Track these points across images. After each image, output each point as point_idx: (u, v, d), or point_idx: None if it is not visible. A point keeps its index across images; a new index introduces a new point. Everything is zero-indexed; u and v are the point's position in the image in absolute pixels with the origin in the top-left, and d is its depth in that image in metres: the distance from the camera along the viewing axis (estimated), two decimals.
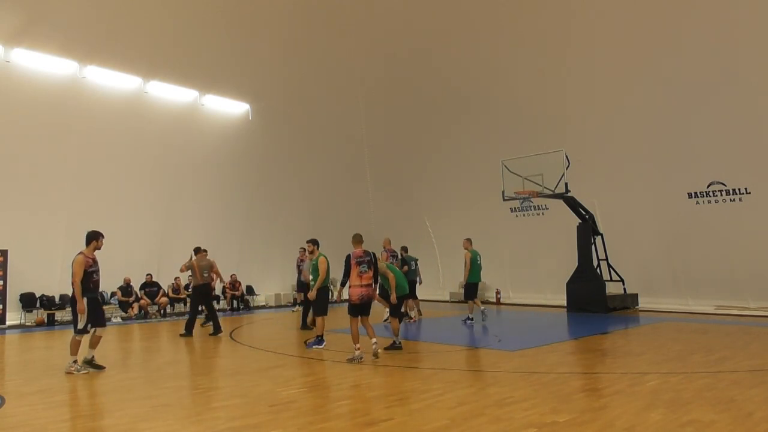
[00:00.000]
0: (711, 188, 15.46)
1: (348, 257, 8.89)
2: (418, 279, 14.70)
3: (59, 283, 15.92)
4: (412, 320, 14.08)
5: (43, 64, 15.33)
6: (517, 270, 19.58)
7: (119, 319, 15.86)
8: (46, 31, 14.96)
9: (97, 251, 8.28)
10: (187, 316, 12.99)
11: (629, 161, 16.74)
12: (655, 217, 16.44)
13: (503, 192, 16.53)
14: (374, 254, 9.32)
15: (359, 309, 8.82)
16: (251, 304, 19.82)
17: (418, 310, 14.66)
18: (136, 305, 16.43)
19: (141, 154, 17.41)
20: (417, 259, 14.94)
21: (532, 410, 5.65)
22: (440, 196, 21.39)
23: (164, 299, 16.97)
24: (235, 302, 18.82)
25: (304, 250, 17.66)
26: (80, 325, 7.97)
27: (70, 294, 15.67)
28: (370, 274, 8.81)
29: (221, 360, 9.66)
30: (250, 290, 20.18)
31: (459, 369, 7.93)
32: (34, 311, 15.42)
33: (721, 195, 15.32)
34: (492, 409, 5.79)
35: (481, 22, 17.82)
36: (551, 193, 15.70)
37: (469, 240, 13.71)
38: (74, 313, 8.03)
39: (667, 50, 15.48)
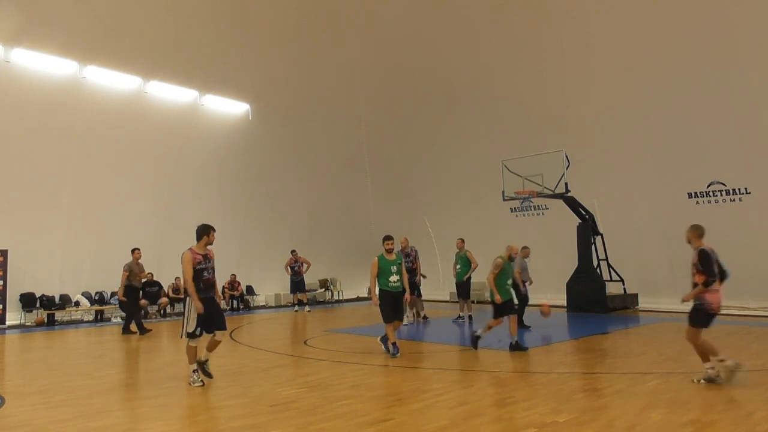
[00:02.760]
0: (711, 188, 15.45)
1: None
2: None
3: (59, 283, 15.94)
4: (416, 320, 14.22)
5: (43, 64, 15.30)
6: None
7: (119, 319, 15.84)
8: (46, 31, 14.94)
9: (209, 246, 7.42)
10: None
11: (629, 161, 16.72)
12: (655, 217, 16.43)
13: (503, 192, 16.53)
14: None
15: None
16: (251, 304, 19.82)
17: (413, 313, 14.74)
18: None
19: (141, 154, 17.39)
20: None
21: (532, 410, 5.65)
22: (440, 196, 21.37)
23: (164, 299, 16.97)
24: (234, 302, 18.83)
25: (296, 252, 18.04)
26: (189, 329, 7.16)
27: (73, 294, 15.72)
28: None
29: (221, 360, 9.64)
30: (249, 290, 20.18)
31: (459, 369, 7.93)
32: (34, 311, 15.42)
33: (721, 195, 15.32)
34: (492, 409, 5.79)
35: (481, 22, 17.81)
36: (551, 193, 15.69)
37: (462, 240, 14.03)
38: (184, 316, 7.29)
39: (667, 50, 15.47)
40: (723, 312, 14.56)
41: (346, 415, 5.63)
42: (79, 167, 16.19)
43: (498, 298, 9.24)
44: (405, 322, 12.64)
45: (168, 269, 17.65)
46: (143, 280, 13.71)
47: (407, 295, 9.33)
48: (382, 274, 9.07)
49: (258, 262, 20.55)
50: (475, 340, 9.36)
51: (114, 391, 7.25)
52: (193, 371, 7.20)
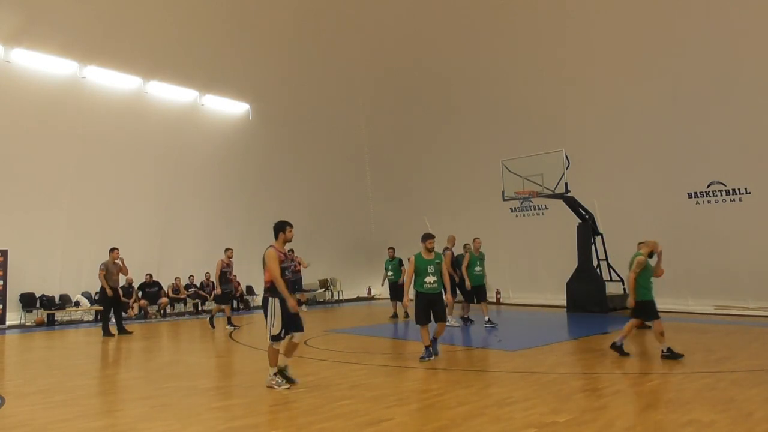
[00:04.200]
0: (711, 188, 15.45)
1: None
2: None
3: (59, 283, 15.94)
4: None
5: (42, 64, 15.32)
6: (517, 270, 19.57)
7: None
8: (46, 31, 14.96)
9: (287, 244, 7.19)
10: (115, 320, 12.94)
11: (629, 161, 16.72)
12: (654, 217, 16.42)
13: (503, 192, 16.53)
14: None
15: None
16: (251, 304, 19.81)
17: (406, 313, 14.74)
18: (135, 305, 16.43)
19: (141, 154, 17.39)
20: (399, 259, 15.29)
21: (532, 410, 5.65)
22: (440, 196, 21.36)
23: (164, 299, 16.97)
24: (234, 302, 18.80)
25: (293, 252, 17.75)
26: (274, 331, 6.78)
27: (73, 294, 15.71)
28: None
29: (221, 360, 9.66)
30: (249, 290, 20.17)
31: (459, 369, 7.93)
32: (34, 311, 15.42)
33: (721, 195, 15.31)
34: (492, 409, 5.79)
35: (481, 22, 17.82)
36: (551, 193, 15.69)
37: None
38: (266, 317, 6.91)
39: (667, 50, 15.47)
40: (723, 312, 14.56)
41: (346, 415, 5.63)
42: (79, 167, 16.20)
43: (631, 301, 8.51)
44: (456, 324, 12.27)
45: (168, 269, 17.68)
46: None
47: (447, 297, 8.84)
48: (417, 274, 8.59)
49: (258, 262, 20.46)
50: (619, 349, 8.66)
51: (114, 392, 7.26)
52: (274, 374, 6.82)
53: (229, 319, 13.54)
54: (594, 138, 17.09)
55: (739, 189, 15.01)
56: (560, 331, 12.72)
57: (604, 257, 16.56)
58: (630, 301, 8.49)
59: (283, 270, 6.80)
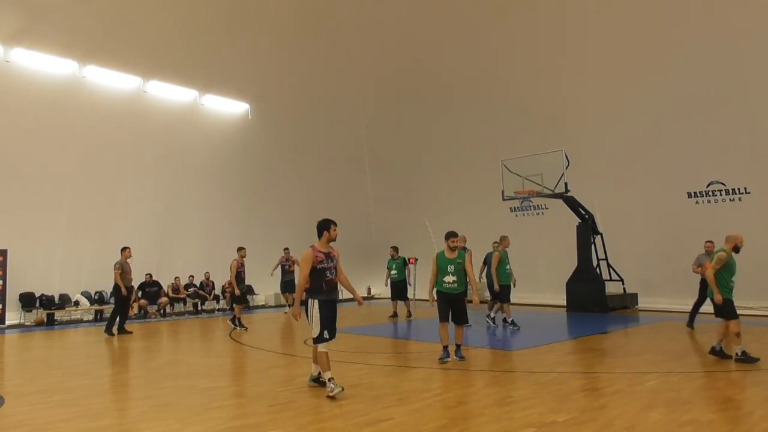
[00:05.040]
0: (710, 188, 15.47)
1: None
2: (407, 280, 14.85)
3: (59, 282, 15.93)
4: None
5: (42, 64, 15.33)
6: (517, 270, 19.47)
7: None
8: (46, 31, 14.96)
9: (333, 243, 6.79)
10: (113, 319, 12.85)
11: (629, 161, 16.74)
12: (654, 217, 16.45)
13: (503, 191, 16.54)
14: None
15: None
16: (251, 304, 19.79)
17: (408, 312, 14.74)
18: (135, 305, 16.41)
19: (141, 154, 17.40)
20: (404, 258, 15.18)
21: (532, 410, 5.66)
22: (440, 196, 21.38)
23: (164, 299, 16.97)
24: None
25: (288, 251, 17.43)
26: (314, 333, 6.50)
27: (73, 294, 15.68)
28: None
29: (221, 360, 9.66)
30: (249, 290, 20.14)
31: (458, 369, 7.93)
32: (34, 311, 15.42)
33: (721, 195, 15.33)
34: (491, 408, 5.79)
35: (481, 22, 17.84)
36: (551, 192, 15.71)
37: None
38: (308, 319, 6.62)
39: (666, 50, 15.49)
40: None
41: (346, 414, 5.63)
42: (79, 167, 16.21)
43: (718, 297, 8.13)
44: (492, 324, 12.19)
45: (168, 269, 17.67)
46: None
47: (475, 297, 8.50)
48: (439, 272, 8.43)
49: (258, 261, 20.49)
50: (719, 353, 8.43)
51: (113, 391, 7.26)
52: (329, 380, 6.36)
53: (239, 319, 13.47)
54: (593, 138, 17.11)
55: (738, 189, 15.03)
56: (560, 331, 12.73)
57: (603, 257, 16.57)
58: (718, 298, 8.12)
59: (322, 271, 6.50)
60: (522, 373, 7.63)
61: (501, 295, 12.18)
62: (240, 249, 14.02)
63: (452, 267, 8.34)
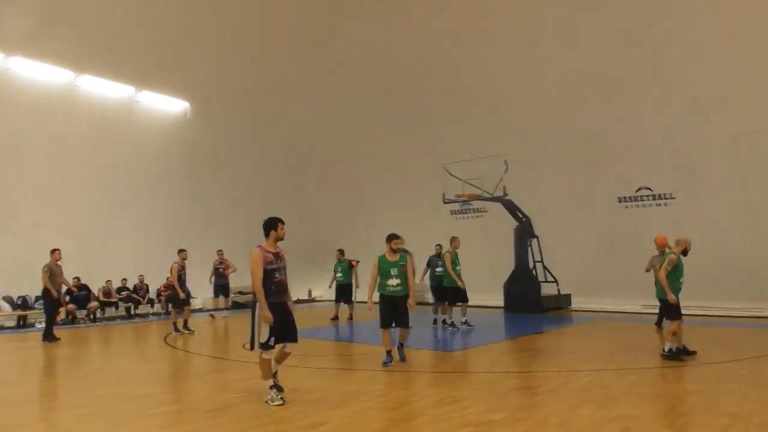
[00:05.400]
0: (639, 193, 16.34)
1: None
2: (352, 283, 14.82)
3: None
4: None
5: None
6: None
7: (43, 325, 15.03)
8: None
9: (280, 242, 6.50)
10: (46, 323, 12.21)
11: (564, 168, 17.47)
12: (587, 220, 17.15)
13: (443, 194, 16.85)
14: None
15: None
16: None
17: (350, 315, 14.73)
18: (62, 310, 15.58)
19: (69, 152, 16.65)
20: (349, 261, 15.07)
21: (470, 409, 5.76)
22: (380, 198, 21.52)
23: (94, 303, 16.23)
24: (169, 305, 18.15)
25: (222, 253, 16.58)
26: (262, 339, 6.12)
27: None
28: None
29: (155, 366, 9.33)
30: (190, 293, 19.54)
31: (399, 370, 7.97)
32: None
33: (648, 200, 16.21)
34: (432, 409, 5.86)
35: (425, 22, 18.09)
36: (490, 196, 16.14)
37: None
38: (252, 324, 6.25)
39: (598, 60, 16.25)
40: (650, 311, 15.14)
41: (284, 419, 5.56)
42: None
43: (671, 297, 8.25)
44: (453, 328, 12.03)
45: (99, 272, 16.91)
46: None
47: (410, 300, 8.29)
48: (381, 276, 8.26)
49: (198, 265, 19.87)
50: (679, 353, 8.32)
51: (39, 401, 6.89)
52: (270, 387, 6.19)
53: (185, 322, 12.87)
54: (532, 145, 17.72)
55: (664, 194, 15.95)
56: (497, 331, 13.02)
57: (539, 259, 17.08)
58: (671, 297, 8.28)
59: (272, 272, 6.21)
60: (461, 374, 7.76)
61: (450, 296, 12.26)
62: (181, 251, 13.33)
63: (395, 270, 8.21)
